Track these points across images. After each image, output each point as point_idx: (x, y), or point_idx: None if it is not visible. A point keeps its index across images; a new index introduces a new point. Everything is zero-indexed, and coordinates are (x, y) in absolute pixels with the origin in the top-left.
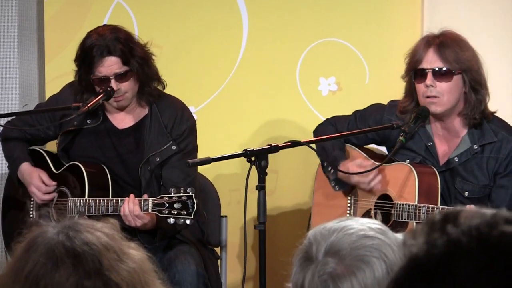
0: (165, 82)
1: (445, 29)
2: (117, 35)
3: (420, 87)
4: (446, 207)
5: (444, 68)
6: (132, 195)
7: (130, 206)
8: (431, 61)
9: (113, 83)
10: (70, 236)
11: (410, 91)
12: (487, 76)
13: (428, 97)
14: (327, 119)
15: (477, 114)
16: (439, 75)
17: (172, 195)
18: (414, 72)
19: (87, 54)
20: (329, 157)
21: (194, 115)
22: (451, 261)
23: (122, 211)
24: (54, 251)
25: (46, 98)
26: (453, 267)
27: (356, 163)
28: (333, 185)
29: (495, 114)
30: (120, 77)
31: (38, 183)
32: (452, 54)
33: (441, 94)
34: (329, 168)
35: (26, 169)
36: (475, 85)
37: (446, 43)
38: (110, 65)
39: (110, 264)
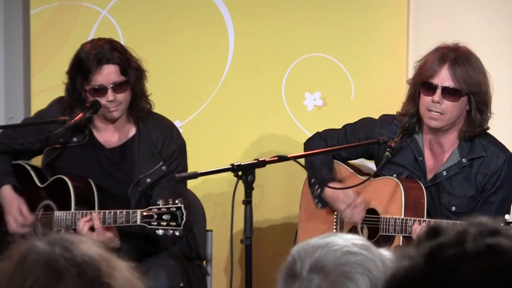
0: (153, 103)
1: (459, 44)
2: (114, 45)
3: (425, 100)
4: (433, 220)
5: (454, 88)
6: (94, 214)
7: (79, 226)
8: (443, 78)
9: (110, 93)
10: (67, 247)
11: (414, 97)
12: (492, 92)
13: (430, 110)
14: (317, 133)
15: (477, 131)
16: (447, 93)
17: (161, 206)
18: (423, 84)
19: (84, 63)
20: (317, 175)
21: (179, 129)
22: (430, 275)
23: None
24: (57, 262)
25: (32, 111)
26: (433, 281)
27: (343, 192)
28: (316, 202)
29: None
30: (117, 87)
31: (16, 213)
32: (464, 74)
33: (445, 111)
34: (316, 186)
35: (6, 194)
36: (481, 107)
37: (460, 61)
38: (109, 73)
39: (107, 272)
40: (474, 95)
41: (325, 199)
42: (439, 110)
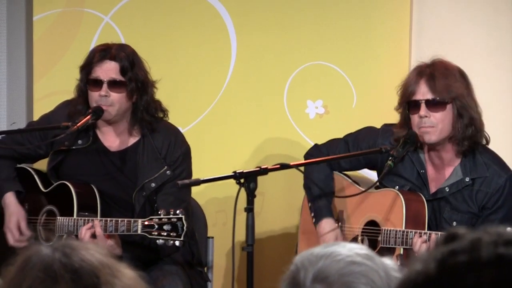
0: (167, 111)
1: (435, 58)
2: (124, 47)
3: (414, 118)
4: (434, 232)
5: (436, 99)
6: (96, 221)
7: (81, 233)
8: (423, 92)
9: (104, 88)
10: (67, 253)
11: (405, 122)
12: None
13: (422, 127)
14: (317, 144)
15: (466, 140)
16: (432, 105)
17: (162, 216)
18: (408, 104)
19: (90, 57)
20: (314, 205)
21: None
22: (439, 280)
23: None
24: (53, 267)
25: (34, 116)
26: (440, 287)
27: (335, 238)
28: (315, 225)
29: (487, 144)
30: (113, 84)
31: (14, 229)
32: (442, 84)
33: (435, 124)
34: (312, 215)
35: (9, 204)
36: (462, 111)
37: (436, 74)
38: (108, 69)
39: (106, 279)
40: (457, 100)
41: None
42: (428, 123)
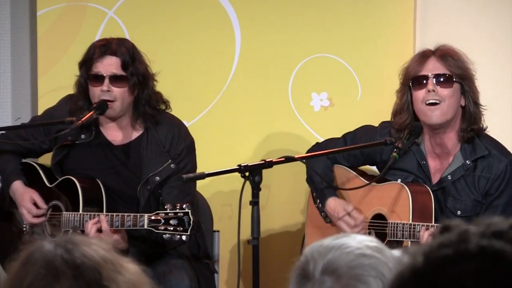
0: (168, 103)
1: (441, 44)
2: (123, 42)
3: (419, 94)
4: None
5: (446, 74)
6: (102, 216)
7: (87, 228)
8: (432, 68)
9: (106, 83)
10: (69, 249)
11: (407, 106)
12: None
13: (429, 103)
14: (317, 143)
15: (474, 127)
16: (440, 80)
17: (168, 211)
18: (412, 81)
19: (90, 53)
20: (318, 191)
21: None
22: (423, 273)
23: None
24: (54, 263)
25: (39, 112)
26: (425, 280)
27: (344, 208)
28: (324, 216)
29: (486, 131)
30: (114, 79)
31: (29, 205)
32: (453, 61)
33: (442, 99)
34: (317, 201)
35: (18, 188)
36: (474, 97)
37: (446, 53)
38: (109, 64)
39: (108, 275)
40: (465, 81)
41: (327, 215)
42: (436, 97)
